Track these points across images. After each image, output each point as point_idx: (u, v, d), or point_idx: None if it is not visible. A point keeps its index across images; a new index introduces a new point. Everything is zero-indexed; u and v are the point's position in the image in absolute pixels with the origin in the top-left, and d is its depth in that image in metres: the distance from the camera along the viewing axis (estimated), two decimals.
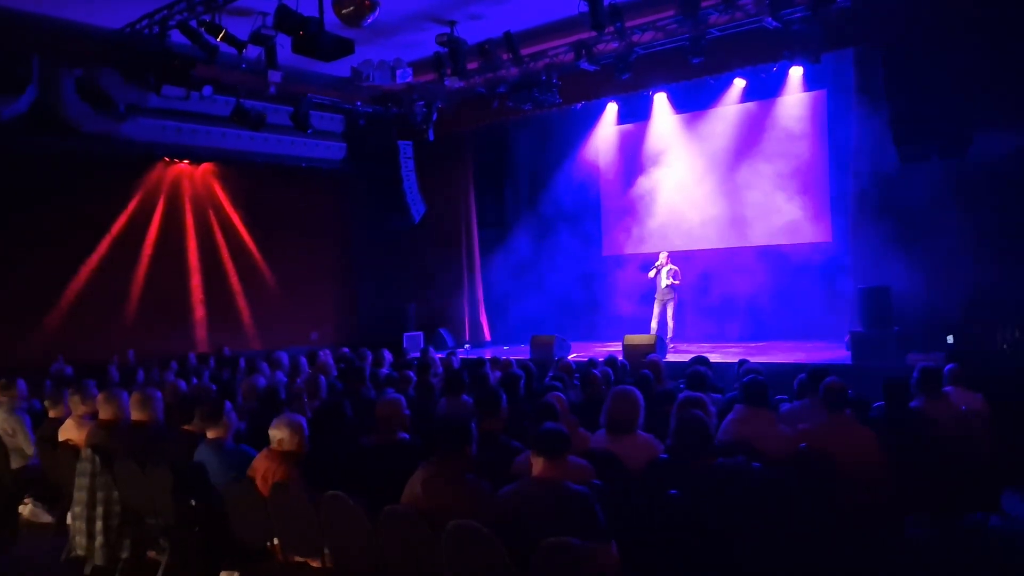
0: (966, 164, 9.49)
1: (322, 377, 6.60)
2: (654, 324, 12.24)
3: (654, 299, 12.37)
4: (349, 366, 7.73)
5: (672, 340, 12.06)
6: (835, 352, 10.40)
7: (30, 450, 6.11)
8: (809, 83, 12.49)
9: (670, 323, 12.17)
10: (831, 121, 12.58)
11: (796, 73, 12.28)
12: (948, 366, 6.02)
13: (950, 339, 9.37)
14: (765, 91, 12.90)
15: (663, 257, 12.34)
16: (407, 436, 4.74)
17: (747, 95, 13.12)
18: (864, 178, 11.11)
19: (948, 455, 4.70)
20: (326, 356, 9.25)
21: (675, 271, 12.18)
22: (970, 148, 9.17)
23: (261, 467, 4.19)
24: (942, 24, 9.32)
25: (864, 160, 11.13)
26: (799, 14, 9.27)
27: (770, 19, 9.29)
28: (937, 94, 9.32)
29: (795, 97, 12.86)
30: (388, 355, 9.64)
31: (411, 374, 7.35)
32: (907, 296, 9.90)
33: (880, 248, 10.39)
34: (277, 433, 4.23)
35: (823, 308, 11.95)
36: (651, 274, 12.31)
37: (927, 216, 10.13)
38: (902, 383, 5.12)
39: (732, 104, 13.40)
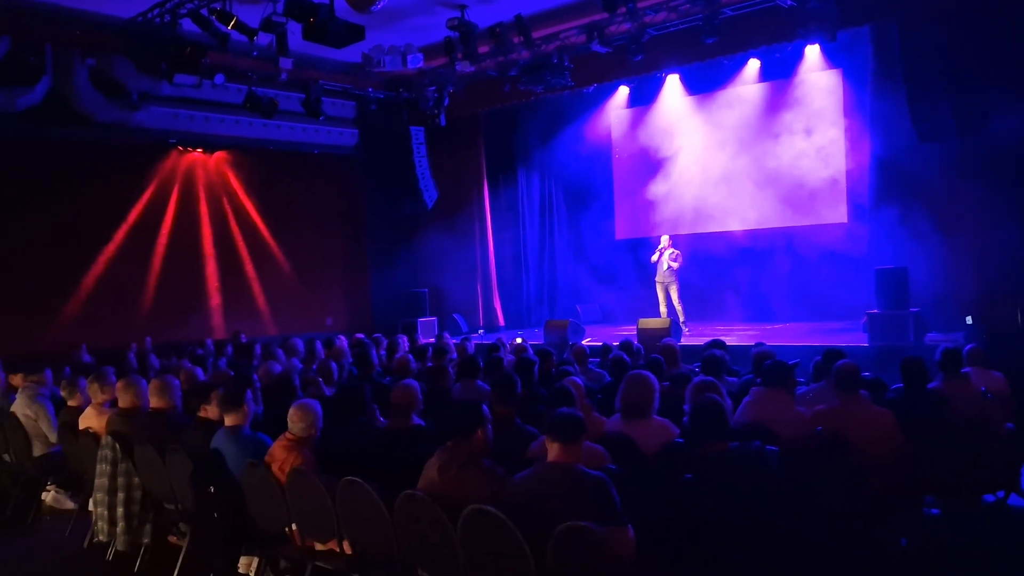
0: (985, 142, 9.37)
1: (334, 363, 6.61)
2: (663, 309, 12.20)
3: (655, 284, 12.33)
4: (362, 352, 7.76)
5: (685, 323, 12.01)
6: (853, 334, 10.33)
7: (53, 437, 6.18)
8: (825, 62, 12.33)
9: (677, 306, 12.12)
10: (847, 100, 12.43)
11: (812, 52, 12.13)
12: (968, 346, 5.97)
13: (969, 319, 9.29)
14: (780, 71, 12.76)
15: (665, 240, 12.29)
16: (422, 422, 4.75)
17: (762, 75, 12.99)
18: (881, 158, 11.01)
19: (967, 435, 4.66)
20: (342, 342, 9.29)
21: (676, 254, 12.10)
22: (989, 126, 9.04)
23: (280, 456, 4.22)
24: (959, 0, 9.18)
25: (881, 139, 11.01)
26: None
27: None
28: (955, 71, 9.20)
29: (811, 76, 12.71)
30: (404, 340, 9.66)
31: (413, 361, 7.35)
32: (925, 276, 9.82)
33: (897, 228, 10.30)
34: (291, 419, 4.27)
35: (840, 289, 11.85)
36: (654, 258, 12.28)
37: (945, 195, 10.02)
38: (919, 363, 5.08)
39: (746, 84, 13.27)
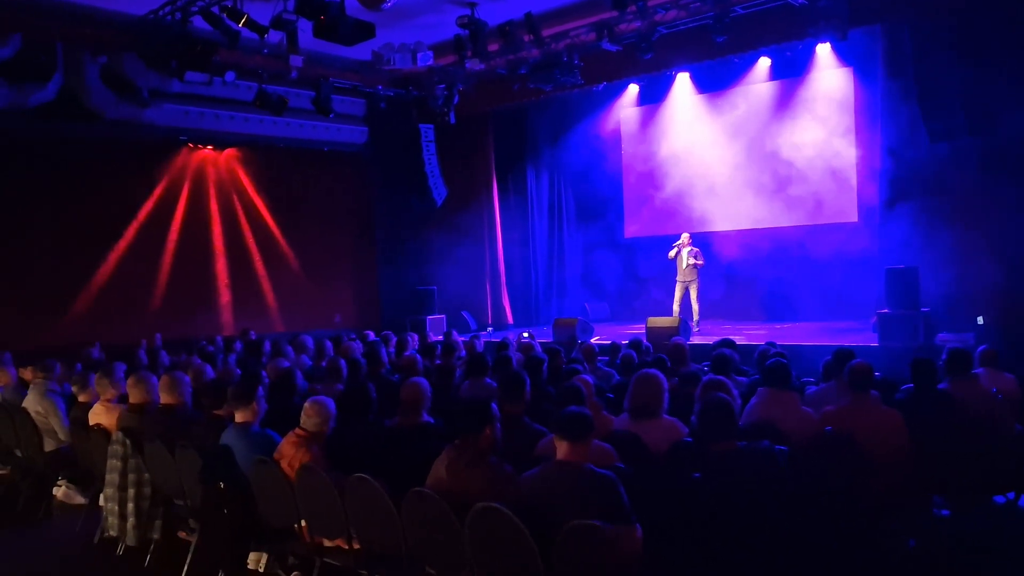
0: (996, 141, 9.31)
1: (342, 360, 6.62)
2: (676, 307, 12.12)
3: (675, 281, 12.25)
4: (371, 350, 7.77)
5: (699, 323, 11.96)
6: (863, 333, 10.28)
7: (64, 434, 6.21)
8: (836, 60, 12.27)
9: (694, 306, 12.02)
10: (858, 99, 12.37)
11: (823, 51, 12.07)
12: (979, 347, 5.93)
13: (980, 320, 9.24)
14: (790, 69, 12.71)
15: (684, 238, 12.15)
16: (431, 419, 4.76)
17: (772, 74, 12.94)
18: (892, 157, 10.94)
19: (976, 436, 4.64)
20: (351, 340, 9.30)
21: (697, 252, 11.99)
22: (1000, 124, 8.98)
23: (288, 452, 4.23)
24: None
25: (892, 138, 10.95)
26: None
27: None
28: (966, 70, 9.14)
29: (821, 75, 12.65)
30: (414, 338, 9.67)
31: (421, 358, 7.35)
32: (936, 276, 9.75)
33: (908, 228, 10.24)
34: (306, 413, 4.28)
35: (850, 289, 11.81)
36: (671, 254, 12.14)
37: (956, 194, 9.95)
38: (929, 364, 5.05)
39: (756, 83, 13.23)
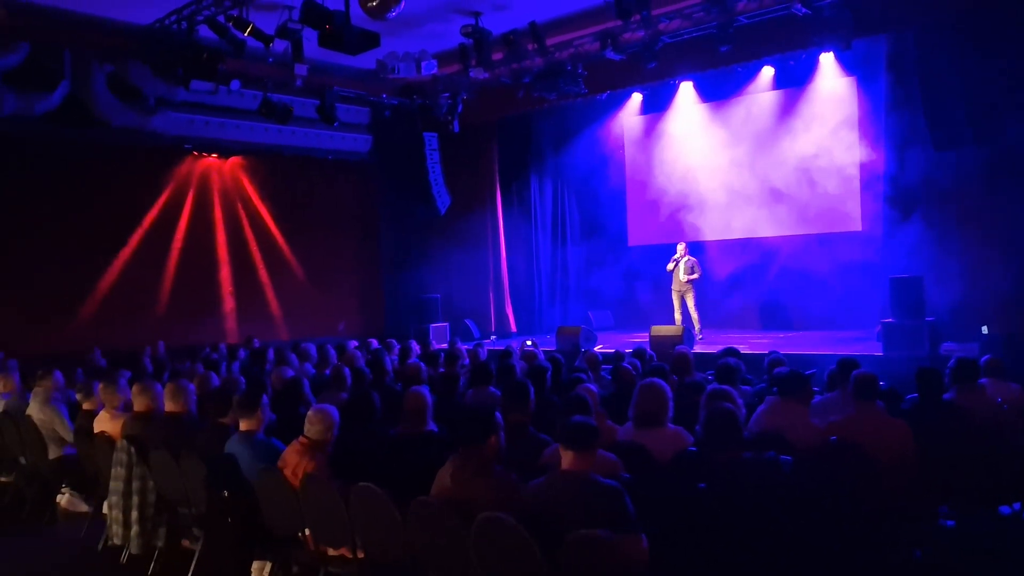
0: (1001, 149, 9.31)
1: (346, 368, 6.62)
2: (678, 316, 12.10)
3: (671, 292, 12.22)
4: (374, 358, 7.77)
5: (701, 331, 11.93)
6: (867, 343, 10.26)
7: (69, 436, 6.21)
8: (840, 70, 12.28)
9: (693, 315, 11.99)
10: (862, 108, 12.37)
11: (826, 60, 12.08)
12: (984, 357, 5.91)
13: (985, 329, 9.22)
14: (794, 79, 12.72)
15: (681, 249, 12.16)
16: (435, 427, 4.76)
17: (776, 83, 12.95)
18: (896, 165, 10.95)
19: (983, 446, 4.62)
20: (354, 348, 9.31)
21: (694, 264, 11.98)
22: (1005, 132, 8.99)
23: (292, 460, 4.23)
24: (974, 8, 9.14)
25: (896, 148, 10.96)
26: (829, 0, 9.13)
27: (799, 5, 9.16)
28: (970, 78, 9.15)
29: (825, 84, 12.66)
30: (416, 346, 9.67)
31: (425, 366, 7.34)
32: (941, 285, 9.74)
33: (913, 236, 10.23)
34: (309, 421, 4.29)
35: (854, 298, 11.79)
36: (670, 267, 12.11)
37: (961, 203, 9.96)
38: (935, 373, 5.03)
39: (760, 92, 13.24)
